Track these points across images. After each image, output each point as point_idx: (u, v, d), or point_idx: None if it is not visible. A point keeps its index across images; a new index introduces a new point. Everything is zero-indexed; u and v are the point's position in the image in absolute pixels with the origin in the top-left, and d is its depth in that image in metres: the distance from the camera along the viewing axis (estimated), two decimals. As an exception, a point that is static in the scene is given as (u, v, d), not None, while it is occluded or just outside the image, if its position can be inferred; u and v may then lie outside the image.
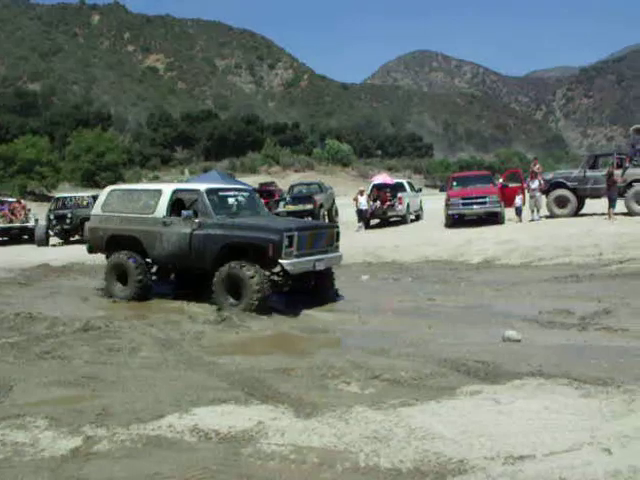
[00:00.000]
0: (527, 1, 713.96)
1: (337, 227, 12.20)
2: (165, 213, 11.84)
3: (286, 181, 47.13)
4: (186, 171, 63.85)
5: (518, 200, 21.97)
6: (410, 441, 4.51)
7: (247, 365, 6.87)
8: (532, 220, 21.19)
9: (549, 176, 22.53)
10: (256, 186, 32.51)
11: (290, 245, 10.50)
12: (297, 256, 10.61)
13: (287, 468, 4.25)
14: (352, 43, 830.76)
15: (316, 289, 11.75)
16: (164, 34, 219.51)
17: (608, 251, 14.51)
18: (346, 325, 9.34)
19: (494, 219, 21.28)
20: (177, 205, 12.10)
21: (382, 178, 27.23)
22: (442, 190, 25.89)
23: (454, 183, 23.61)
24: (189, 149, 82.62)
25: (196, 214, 11.51)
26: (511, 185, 24.04)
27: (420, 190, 28.81)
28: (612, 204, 19.94)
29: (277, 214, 23.40)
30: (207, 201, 11.63)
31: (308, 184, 29.04)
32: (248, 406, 5.48)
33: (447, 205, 21.99)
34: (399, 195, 24.05)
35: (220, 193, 12.27)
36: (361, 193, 23.62)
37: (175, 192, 12.22)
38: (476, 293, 11.40)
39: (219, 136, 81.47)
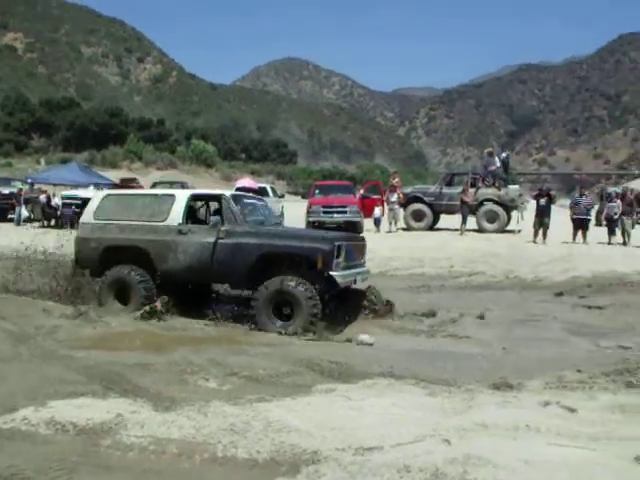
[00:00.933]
0: (398, 22, 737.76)
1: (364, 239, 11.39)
2: (181, 220, 10.39)
3: (148, 179, 46.11)
4: (42, 160, 61.19)
5: (377, 211, 22.80)
6: (267, 433, 4.69)
7: (105, 360, 6.79)
8: (389, 231, 22.06)
9: (408, 190, 23.59)
10: (117, 182, 31.73)
11: (338, 256, 9.57)
12: (343, 268, 9.67)
13: (146, 458, 4.31)
14: (224, 44, 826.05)
15: None
16: (24, 12, 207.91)
17: (458, 264, 15.44)
18: (205, 327, 9.41)
19: (353, 228, 21.93)
20: (190, 212, 10.83)
21: (245, 182, 27.37)
22: (304, 197, 26.37)
23: (316, 191, 24.08)
24: (47, 137, 79.07)
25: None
26: (371, 196, 24.93)
27: (282, 196, 29.13)
28: (464, 220, 21.19)
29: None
30: (234, 207, 10.35)
31: (171, 183, 28.67)
32: (106, 399, 5.45)
33: (308, 212, 22.37)
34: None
35: (244, 200, 11.13)
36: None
37: (192, 197, 10.97)
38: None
39: (80, 126, 78.46)
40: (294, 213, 26.14)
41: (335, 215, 22.07)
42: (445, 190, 22.67)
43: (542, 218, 19.62)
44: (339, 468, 4.13)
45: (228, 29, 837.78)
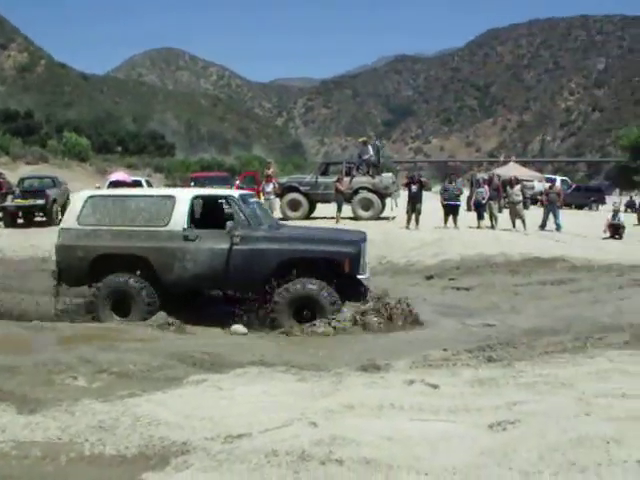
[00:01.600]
0: (274, 13, 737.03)
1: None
2: (186, 225, 9.61)
3: (16, 174, 43.98)
4: None
5: (254, 202, 22.84)
6: (136, 428, 4.64)
7: (-35, 365, 6.52)
8: (267, 222, 22.14)
9: (283, 180, 23.77)
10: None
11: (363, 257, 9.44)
12: (364, 269, 9.52)
13: (7, 464, 4.16)
14: (96, 31, 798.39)
15: None
16: None
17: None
18: (75, 322, 9.18)
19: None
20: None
21: (119, 176, 26.80)
22: (182, 189, 26.07)
23: (192, 183, 24.00)
24: None
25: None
26: (247, 187, 24.94)
27: (159, 189, 28.71)
28: (339, 209, 21.59)
29: (4, 208, 21.97)
30: (246, 209, 9.80)
31: (40, 178, 27.53)
32: (-34, 406, 5.25)
33: (185, 205, 22.16)
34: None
35: (249, 200, 10.44)
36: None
37: (196, 198, 9.99)
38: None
39: None
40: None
41: (213, 207, 21.98)
42: (321, 179, 22.98)
43: (414, 205, 20.27)
44: (207, 457, 4.15)
45: (99, 16, 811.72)
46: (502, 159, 50.82)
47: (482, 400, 5.26)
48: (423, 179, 22.30)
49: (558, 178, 39.16)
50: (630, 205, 34.36)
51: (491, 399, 5.28)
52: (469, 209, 24.42)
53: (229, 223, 9.47)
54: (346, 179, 22.38)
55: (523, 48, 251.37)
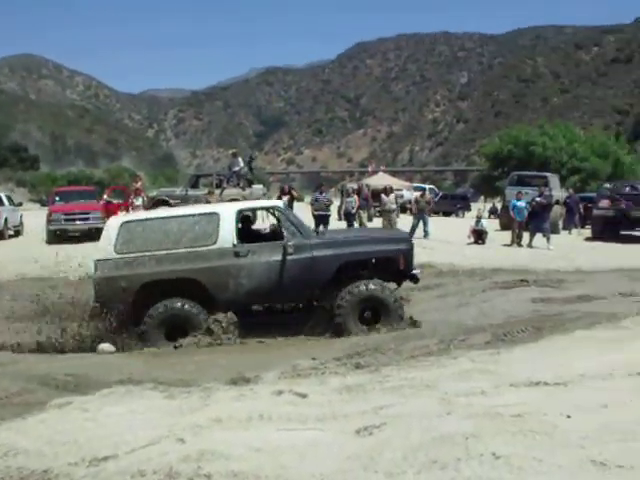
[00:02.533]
0: (144, 24, 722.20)
1: None
2: (235, 241, 9.27)
3: None
4: None
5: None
6: (-8, 460, 4.44)
7: None
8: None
9: (153, 193, 23.38)
10: None
11: None
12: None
13: None
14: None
15: None
16: None
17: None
18: None
19: (98, 235, 21.21)
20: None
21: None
22: (44, 205, 25.15)
23: (57, 198, 23.16)
24: None
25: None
26: (115, 201, 24.33)
27: (20, 204, 27.50)
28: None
29: None
30: (293, 218, 9.75)
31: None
32: None
33: (49, 221, 21.34)
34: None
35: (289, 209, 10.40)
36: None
37: (240, 212, 9.79)
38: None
39: None
40: (35, 222, 24.72)
41: (77, 222, 21.39)
42: (191, 192, 22.74)
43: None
44: (71, 482, 4.04)
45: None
46: (370, 169, 52.09)
47: (349, 406, 5.38)
48: (293, 190, 22.52)
49: (427, 187, 40.59)
50: (493, 211, 36.14)
51: (358, 405, 5.41)
52: (340, 218, 24.85)
53: (285, 234, 9.48)
54: (217, 192, 22.27)
55: (391, 61, 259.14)
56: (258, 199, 22.41)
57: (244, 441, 4.50)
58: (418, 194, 25.60)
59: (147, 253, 9.21)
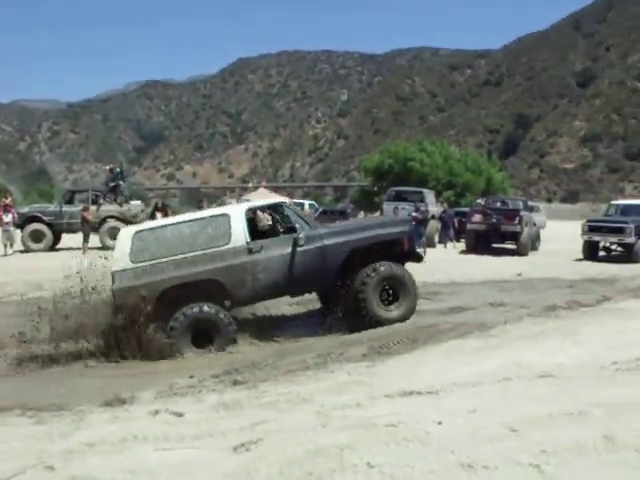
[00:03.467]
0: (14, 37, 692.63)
1: None
2: (248, 238, 9.63)
3: None
4: None
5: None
6: None
7: None
8: (5, 255, 20.68)
9: (24, 210, 22.41)
10: None
11: None
12: None
13: None
14: None
15: None
16: None
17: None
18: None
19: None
20: None
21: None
22: None
23: None
24: None
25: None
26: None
27: None
28: (86, 239, 20.76)
29: None
30: (300, 211, 10.97)
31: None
32: None
33: None
34: None
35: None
36: None
37: (249, 211, 10.21)
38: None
39: None
40: None
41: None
42: (65, 208, 21.97)
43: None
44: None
45: None
46: (251, 185, 52.15)
47: (226, 423, 5.38)
48: (167, 206, 22.24)
49: (306, 202, 40.96)
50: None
51: (235, 421, 5.42)
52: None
53: (298, 227, 9.92)
54: (93, 208, 21.64)
55: (273, 78, 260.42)
56: (136, 215, 22.05)
57: (118, 464, 4.41)
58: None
59: (163, 259, 9.35)
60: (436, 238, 26.15)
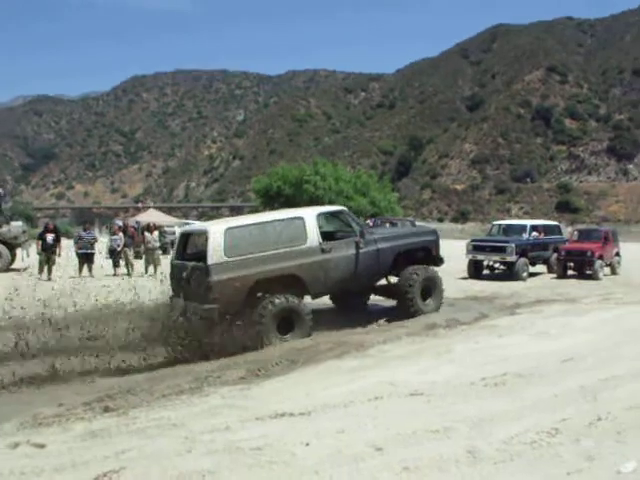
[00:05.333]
0: None
1: None
2: (320, 240, 11.02)
3: None
4: None
5: None
6: None
7: None
8: None
9: None
10: None
11: None
12: None
13: None
14: None
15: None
16: None
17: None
18: None
19: None
20: None
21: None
22: None
23: None
24: None
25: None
26: None
27: None
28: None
29: None
30: (357, 218, 12.43)
31: None
32: None
33: None
34: None
35: None
36: None
37: (320, 216, 11.49)
38: None
39: None
40: None
41: None
42: (-58, 228, 20.96)
43: (49, 254, 19.40)
44: None
45: None
46: (141, 205, 51.24)
47: (91, 453, 5.25)
48: (58, 228, 21.52)
49: (197, 223, 40.58)
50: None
51: (100, 450, 5.30)
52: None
53: (358, 231, 11.60)
54: (-27, 228, 20.71)
55: (168, 96, 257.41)
56: (17, 237, 21.25)
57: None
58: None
59: (251, 255, 10.27)
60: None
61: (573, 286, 19.31)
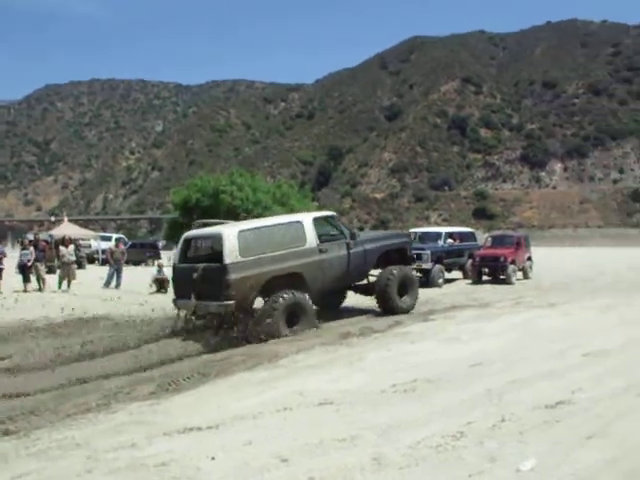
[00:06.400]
0: None
1: None
2: (317, 241, 12.22)
3: None
4: None
5: None
6: None
7: None
8: None
9: None
10: None
11: None
12: None
13: None
14: None
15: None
16: None
17: None
18: None
19: None
20: None
21: None
22: None
23: None
24: None
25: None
26: None
27: None
28: None
29: None
30: (345, 224, 14.25)
31: None
32: None
33: None
34: None
35: None
36: None
37: (315, 220, 12.61)
38: None
39: None
40: None
41: None
42: None
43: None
44: None
45: None
46: (53, 219, 49.93)
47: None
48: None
49: (114, 235, 39.82)
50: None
51: (-5, 477, 5.07)
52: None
53: (348, 233, 13.12)
54: None
55: (84, 106, 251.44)
56: None
57: None
58: (112, 244, 25.04)
59: (262, 255, 11.33)
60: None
61: (487, 291, 19.80)
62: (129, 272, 25.27)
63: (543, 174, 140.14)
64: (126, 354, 10.53)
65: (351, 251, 12.81)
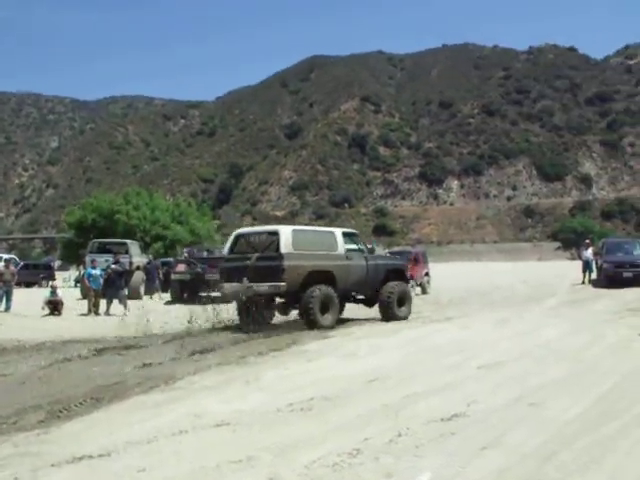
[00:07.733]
0: None
1: None
2: (344, 250, 15.19)
3: None
4: None
5: None
6: None
7: None
8: None
9: None
10: None
11: None
12: None
13: None
14: None
15: None
16: None
17: None
18: None
19: None
20: None
21: None
22: None
23: None
24: None
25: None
26: None
27: None
28: None
29: None
30: (363, 241, 17.15)
31: None
32: None
33: None
34: None
35: None
36: None
37: (343, 233, 15.76)
38: None
39: None
40: None
41: None
42: None
43: None
44: None
45: None
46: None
47: None
48: None
49: (4, 256, 38.14)
50: (79, 280, 35.14)
51: None
52: None
53: (365, 249, 16.21)
54: None
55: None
56: None
57: None
58: (2, 265, 23.96)
59: (308, 252, 14.28)
60: (142, 289, 25.71)
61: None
62: (20, 294, 24.28)
63: (441, 191, 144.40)
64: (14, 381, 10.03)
65: (368, 262, 15.52)
